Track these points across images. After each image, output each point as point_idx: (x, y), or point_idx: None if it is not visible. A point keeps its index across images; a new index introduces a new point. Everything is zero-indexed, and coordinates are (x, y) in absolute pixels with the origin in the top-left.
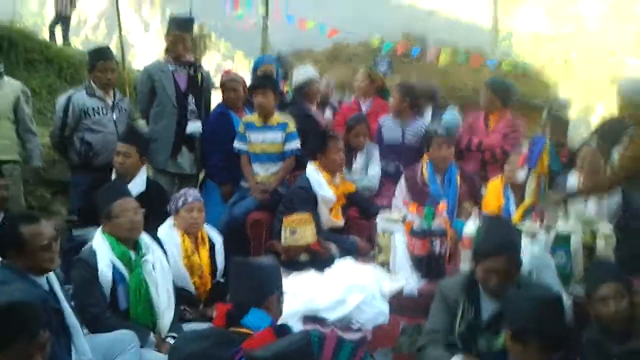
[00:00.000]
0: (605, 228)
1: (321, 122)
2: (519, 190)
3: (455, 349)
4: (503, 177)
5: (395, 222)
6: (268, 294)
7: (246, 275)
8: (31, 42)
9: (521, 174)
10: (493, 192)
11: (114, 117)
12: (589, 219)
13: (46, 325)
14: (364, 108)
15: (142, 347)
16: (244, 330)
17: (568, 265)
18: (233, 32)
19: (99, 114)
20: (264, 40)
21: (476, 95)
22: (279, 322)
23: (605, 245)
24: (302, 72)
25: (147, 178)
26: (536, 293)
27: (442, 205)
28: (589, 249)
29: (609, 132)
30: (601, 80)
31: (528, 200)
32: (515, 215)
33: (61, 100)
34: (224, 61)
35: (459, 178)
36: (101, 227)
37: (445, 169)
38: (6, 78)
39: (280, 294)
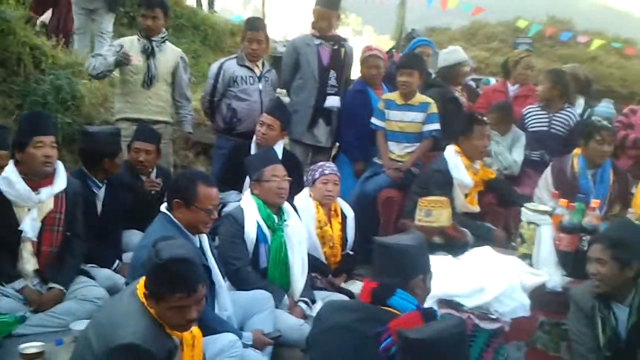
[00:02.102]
0: None
1: (465, 104)
2: None
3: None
4: None
5: (543, 214)
6: (411, 277)
7: (389, 259)
8: (181, 8)
9: None
10: None
11: (260, 87)
12: None
13: (204, 281)
14: (511, 91)
15: (276, 307)
16: (390, 309)
17: None
18: (364, 6)
19: (246, 82)
20: (399, 16)
21: (623, 85)
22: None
23: None
24: (453, 54)
25: (284, 148)
26: None
27: (596, 202)
28: None
29: None
30: None
31: None
32: None
33: (213, 67)
34: (354, 36)
35: (612, 176)
36: (250, 189)
37: (600, 164)
38: (168, 44)
39: (426, 275)
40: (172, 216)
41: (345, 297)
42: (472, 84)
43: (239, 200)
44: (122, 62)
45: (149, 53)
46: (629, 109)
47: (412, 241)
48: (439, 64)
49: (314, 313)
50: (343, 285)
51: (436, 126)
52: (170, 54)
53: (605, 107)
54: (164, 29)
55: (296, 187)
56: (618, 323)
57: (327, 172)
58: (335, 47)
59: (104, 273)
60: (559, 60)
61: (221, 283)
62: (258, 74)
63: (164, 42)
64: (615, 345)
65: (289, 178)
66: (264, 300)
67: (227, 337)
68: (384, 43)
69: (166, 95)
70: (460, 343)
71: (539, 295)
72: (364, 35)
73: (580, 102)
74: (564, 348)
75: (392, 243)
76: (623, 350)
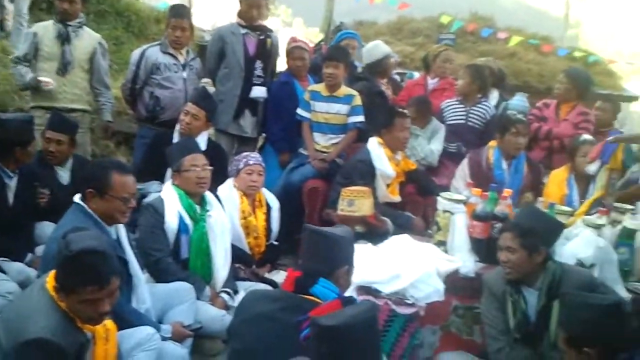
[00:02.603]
0: None
1: (390, 98)
2: (583, 181)
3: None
4: (568, 167)
5: (457, 203)
6: (338, 266)
7: (319, 246)
8: None
9: (592, 167)
10: (555, 182)
11: (184, 75)
12: None
13: (117, 274)
14: (430, 85)
15: (198, 298)
16: (312, 298)
17: (630, 261)
18: None
19: (169, 70)
20: (328, 9)
21: (540, 81)
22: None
23: None
24: (377, 48)
25: (208, 138)
26: (595, 300)
27: (508, 191)
28: None
29: None
30: None
31: (596, 194)
32: (581, 207)
33: (135, 53)
34: (284, 27)
35: (526, 167)
36: (171, 179)
37: (515, 156)
38: (86, 29)
39: (350, 267)
40: (86, 207)
41: (268, 287)
42: (397, 77)
43: (160, 191)
44: (34, 86)
45: (64, 38)
46: (542, 103)
47: (343, 233)
48: (364, 60)
49: (236, 303)
50: (267, 275)
51: (360, 118)
52: (87, 40)
53: (519, 100)
54: (81, 14)
55: (221, 177)
56: (528, 306)
57: (251, 162)
58: (262, 37)
59: (15, 267)
60: (480, 55)
61: (139, 275)
62: (182, 62)
63: (81, 27)
64: (525, 327)
65: (210, 167)
66: (184, 292)
67: (145, 330)
68: (314, 35)
69: (83, 83)
70: (373, 327)
71: (453, 281)
72: (293, 27)
73: (495, 95)
74: (477, 331)
75: (326, 231)
76: (532, 333)
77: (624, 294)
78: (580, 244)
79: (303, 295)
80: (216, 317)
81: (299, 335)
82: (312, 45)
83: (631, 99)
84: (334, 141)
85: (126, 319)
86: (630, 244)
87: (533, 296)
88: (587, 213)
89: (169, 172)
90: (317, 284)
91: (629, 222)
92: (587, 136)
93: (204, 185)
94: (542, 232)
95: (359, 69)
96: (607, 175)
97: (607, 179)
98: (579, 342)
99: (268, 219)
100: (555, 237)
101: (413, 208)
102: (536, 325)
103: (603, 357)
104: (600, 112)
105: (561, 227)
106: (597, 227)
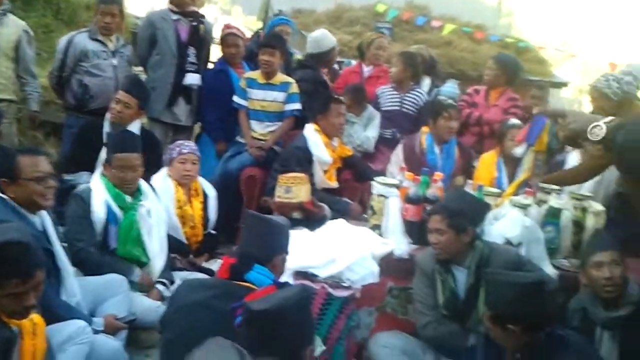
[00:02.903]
0: (597, 205)
1: (331, 87)
2: (511, 164)
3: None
4: (497, 150)
5: (391, 187)
6: (276, 253)
7: (260, 232)
8: None
9: (519, 150)
10: (485, 165)
11: (114, 62)
12: (581, 196)
13: (42, 266)
14: (365, 72)
15: (128, 279)
16: (247, 284)
17: (556, 239)
18: None
19: (98, 57)
20: None
21: (474, 68)
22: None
23: (595, 222)
24: (325, 39)
25: (141, 127)
26: (517, 278)
27: (439, 174)
28: (579, 225)
29: None
30: (598, 62)
31: (523, 175)
32: (509, 189)
33: (62, 41)
34: (222, 15)
35: (457, 151)
36: (102, 167)
37: (446, 141)
38: (11, 16)
39: (286, 254)
40: (7, 199)
41: (206, 276)
42: (336, 66)
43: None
44: None
45: None
46: (473, 89)
47: (283, 222)
48: (310, 49)
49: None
50: (205, 264)
51: (297, 106)
52: (12, 28)
53: (450, 87)
54: (6, 1)
55: (155, 167)
56: (457, 285)
57: (185, 151)
58: (194, 23)
59: None
60: (416, 44)
61: (67, 268)
62: (112, 49)
63: (5, 14)
64: (454, 305)
65: (142, 169)
66: (116, 284)
67: (76, 324)
68: (253, 23)
69: (8, 72)
70: (305, 308)
71: (388, 263)
72: (232, 15)
73: (427, 82)
74: (411, 311)
75: (268, 217)
76: (461, 310)
77: (550, 271)
78: (508, 223)
79: (238, 282)
80: (151, 308)
81: (234, 322)
82: (250, 33)
83: (561, 85)
84: (271, 129)
85: (55, 313)
86: (557, 223)
87: (462, 274)
88: (515, 194)
89: (99, 161)
90: (252, 271)
91: (554, 201)
92: (515, 120)
93: (130, 187)
94: (468, 212)
95: (298, 56)
96: (533, 157)
97: (532, 161)
98: (503, 319)
99: (205, 208)
100: (481, 217)
101: (350, 194)
102: (465, 303)
103: (527, 333)
104: (536, 100)
105: (487, 207)
106: (524, 207)
